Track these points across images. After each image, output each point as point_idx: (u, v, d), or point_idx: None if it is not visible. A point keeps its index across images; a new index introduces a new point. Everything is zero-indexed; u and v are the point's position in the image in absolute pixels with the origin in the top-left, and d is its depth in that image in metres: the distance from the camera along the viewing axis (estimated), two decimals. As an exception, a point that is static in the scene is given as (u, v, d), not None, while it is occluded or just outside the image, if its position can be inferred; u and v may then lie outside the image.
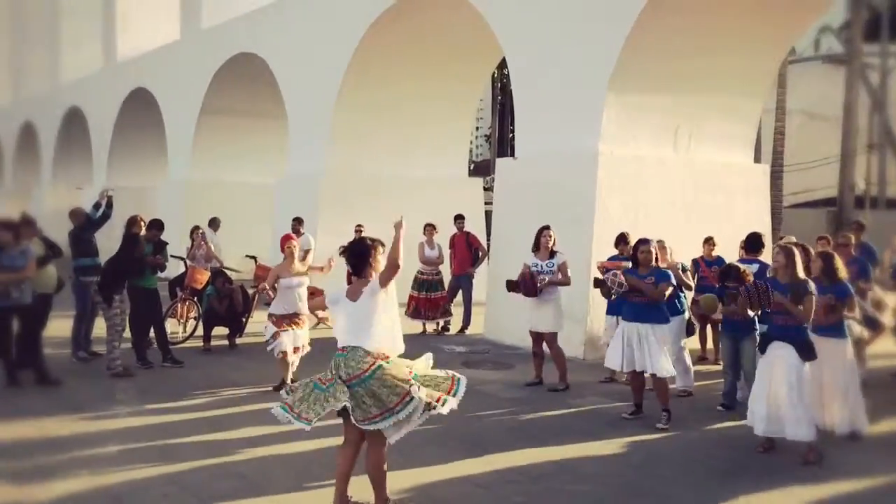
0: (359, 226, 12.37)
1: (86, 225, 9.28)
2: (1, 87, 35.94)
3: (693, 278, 8.48)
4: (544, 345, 8.12)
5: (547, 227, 8.15)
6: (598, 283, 7.50)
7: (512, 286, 8.09)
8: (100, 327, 9.62)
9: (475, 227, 13.40)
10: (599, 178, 9.88)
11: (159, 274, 9.28)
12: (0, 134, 35.45)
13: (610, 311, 8.28)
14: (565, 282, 7.99)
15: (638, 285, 6.67)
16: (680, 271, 7.97)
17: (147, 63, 22.52)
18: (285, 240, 8.20)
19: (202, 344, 10.09)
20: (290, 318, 7.76)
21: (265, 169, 19.21)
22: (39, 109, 30.69)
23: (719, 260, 8.53)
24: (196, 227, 11.82)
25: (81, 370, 8.85)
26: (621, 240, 8.45)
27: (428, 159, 15.65)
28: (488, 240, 12.85)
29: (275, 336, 7.64)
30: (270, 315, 7.85)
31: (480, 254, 12.04)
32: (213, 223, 14.22)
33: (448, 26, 13.71)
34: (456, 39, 14.18)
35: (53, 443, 6.07)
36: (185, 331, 10.70)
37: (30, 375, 7.97)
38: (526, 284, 7.89)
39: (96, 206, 9.35)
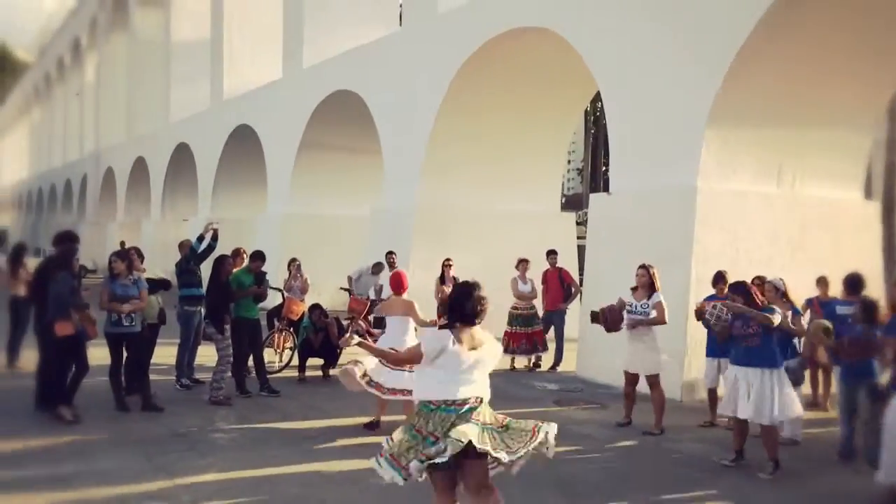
0: (447, 260, 12.46)
1: (190, 256, 9.67)
2: (118, 125, 38.28)
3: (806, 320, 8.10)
4: (644, 386, 7.89)
5: (641, 266, 7.96)
6: (699, 315, 7.30)
7: (595, 318, 7.95)
8: (202, 355, 10.03)
9: (567, 262, 13.26)
10: (698, 215, 9.62)
11: (259, 304, 9.57)
12: (115, 169, 37.69)
13: (710, 354, 8.00)
14: (658, 321, 7.74)
15: (743, 310, 6.40)
16: (790, 315, 7.53)
17: (250, 101, 23.53)
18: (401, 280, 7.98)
19: (297, 374, 10.31)
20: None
21: (360, 202, 19.61)
22: (151, 146, 32.47)
23: (834, 301, 8.10)
24: (293, 260, 12.15)
25: (184, 397, 9.17)
26: (719, 279, 8.17)
27: (520, 193, 15.67)
28: (581, 275, 12.69)
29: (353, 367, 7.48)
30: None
31: (573, 290, 11.89)
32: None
33: (542, 61, 13.76)
34: (549, 74, 14.22)
35: (157, 467, 6.28)
36: (281, 360, 10.97)
37: (137, 401, 8.31)
38: (607, 318, 7.75)
39: (199, 238, 9.74)
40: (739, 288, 6.59)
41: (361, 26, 19.49)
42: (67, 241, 8.35)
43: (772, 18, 9.03)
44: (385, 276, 12.46)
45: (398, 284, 7.90)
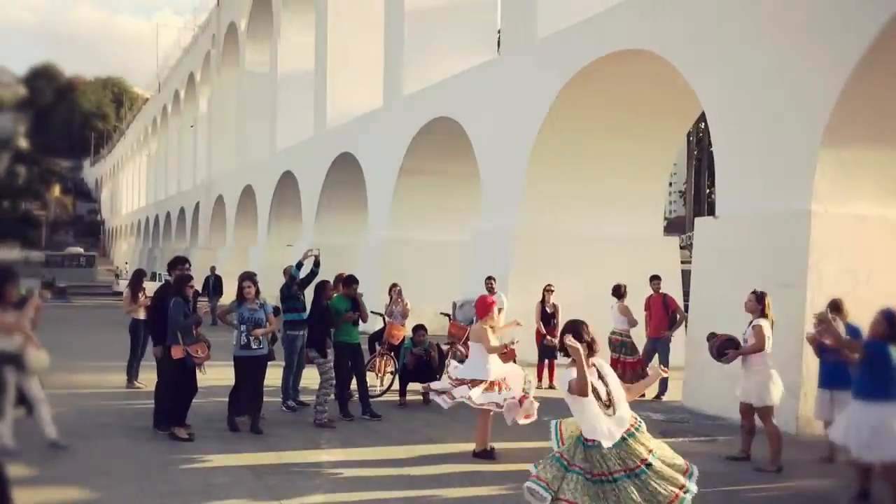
0: (548, 285, 12.35)
1: (290, 282, 9.95)
2: (228, 155, 40.13)
3: None
4: (756, 419, 7.54)
5: (752, 292, 7.65)
6: (815, 345, 6.98)
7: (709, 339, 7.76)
8: (307, 377, 10.27)
9: (671, 287, 12.90)
10: (812, 240, 9.17)
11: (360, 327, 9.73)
12: (225, 196, 39.44)
13: (823, 385, 7.57)
14: (755, 348, 7.37)
15: (840, 343, 6.10)
16: None
17: (352, 129, 24.19)
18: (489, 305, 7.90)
19: (398, 398, 10.40)
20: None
21: (459, 227, 19.75)
22: (258, 174, 33.82)
23: None
24: (394, 285, 12.31)
25: (290, 419, 9.40)
26: (834, 307, 7.73)
27: (622, 217, 15.41)
28: (685, 301, 12.31)
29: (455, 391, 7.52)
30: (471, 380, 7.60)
31: (678, 316, 11.54)
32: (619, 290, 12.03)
33: (643, 84, 13.55)
34: (651, 96, 13.99)
35: (266, 487, 6.44)
36: (382, 384, 11.10)
37: (245, 421, 8.57)
38: (711, 344, 7.53)
39: (298, 265, 10.02)
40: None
41: (460, 54, 19.74)
42: (179, 266, 8.75)
43: (892, 30, 8.57)
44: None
45: (480, 309, 7.88)
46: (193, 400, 8.35)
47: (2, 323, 6.96)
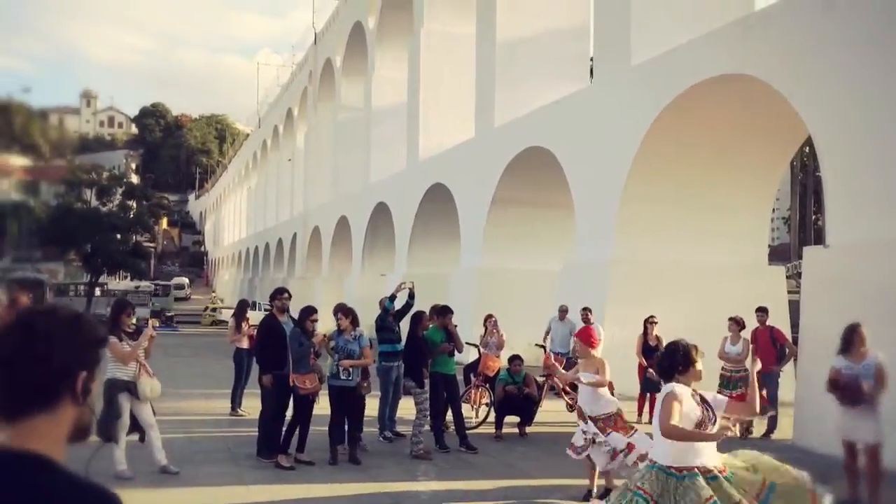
0: (651, 317, 12.03)
1: (383, 314, 10.07)
2: (324, 187, 41.30)
3: None
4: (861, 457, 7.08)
5: (859, 325, 7.22)
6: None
7: (832, 387, 7.25)
8: (403, 408, 10.32)
9: (778, 318, 12.36)
10: (936, 269, 8.62)
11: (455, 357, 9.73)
12: (321, 227, 40.51)
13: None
14: (885, 386, 6.93)
15: None
16: None
17: (444, 160, 24.47)
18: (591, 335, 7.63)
19: (494, 431, 10.31)
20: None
21: (552, 256, 19.58)
22: (352, 205, 34.60)
23: None
24: (489, 316, 12.26)
25: (387, 449, 9.45)
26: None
27: (723, 245, 14.92)
28: (794, 333, 11.75)
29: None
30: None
31: (787, 350, 11.02)
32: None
33: (744, 109, 13.18)
34: (753, 121, 13.58)
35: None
36: (477, 416, 11.03)
37: (345, 452, 8.66)
38: (851, 390, 7.00)
39: (391, 298, 10.13)
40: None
41: (551, 84, 19.74)
42: (279, 297, 8.95)
43: None
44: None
45: (588, 340, 7.63)
46: (301, 428, 8.48)
47: (118, 352, 7.31)
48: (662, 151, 14.28)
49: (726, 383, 10.82)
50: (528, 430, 10.49)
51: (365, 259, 32.37)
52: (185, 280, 50.59)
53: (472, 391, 11.15)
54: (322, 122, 42.94)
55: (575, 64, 21.19)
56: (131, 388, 7.39)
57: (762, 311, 11.13)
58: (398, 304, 10.24)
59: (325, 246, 39.48)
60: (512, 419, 10.50)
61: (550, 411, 11.71)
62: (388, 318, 10.05)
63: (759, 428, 10.86)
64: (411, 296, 10.13)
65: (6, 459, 1.56)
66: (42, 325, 1.62)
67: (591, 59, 19.29)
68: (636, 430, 7.15)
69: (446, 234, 24.83)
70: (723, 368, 10.86)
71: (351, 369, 8.48)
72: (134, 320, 7.90)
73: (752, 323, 11.23)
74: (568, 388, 11.65)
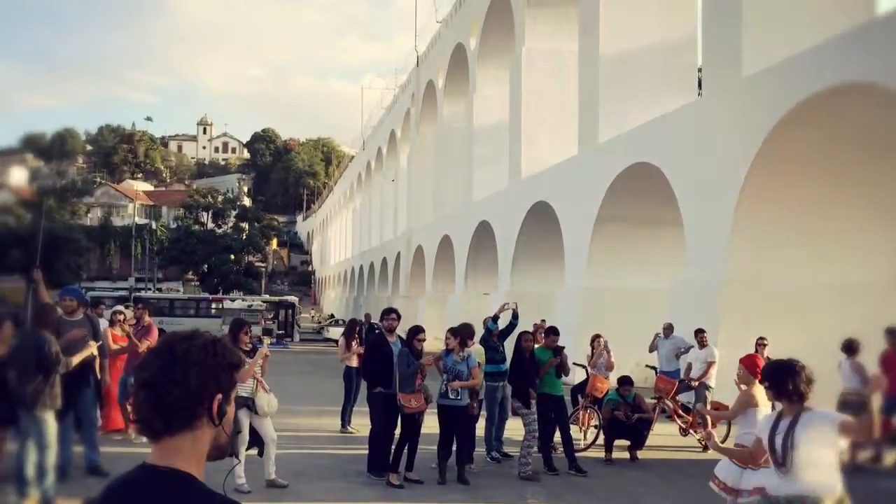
0: (761, 339, 11.51)
1: (486, 335, 10.05)
2: (426, 207, 41.85)
3: None
4: None
5: None
6: None
7: None
8: (510, 429, 10.25)
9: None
10: None
11: (563, 379, 9.59)
12: (424, 246, 41.00)
13: None
14: None
15: None
16: None
17: (547, 178, 24.32)
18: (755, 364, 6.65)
19: (604, 454, 10.07)
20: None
21: (660, 274, 19.05)
22: (455, 224, 34.86)
23: None
24: (597, 336, 12.04)
25: (494, 470, 9.41)
26: None
27: (846, 263, 14.12)
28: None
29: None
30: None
31: (921, 375, 10.26)
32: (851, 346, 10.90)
33: (868, 119, 12.49)
34: (877, 133, 12.84)
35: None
36: (586, 438, 10.82)
37: (453, 471, 8.66)
38: None
39: (494, 318, 10.11)
40: None
41: (657, 98, 19.33)
42: (388, 317, 9.07)
43: None
44: (694, 354, 11.87)
45: (750, 369, 6.93)
46: (410, 447, 8.56)
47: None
48: (778, 166, 13.70)
49: (849, 410, 10.18)
50: (639, 454, 10.20)
51: (468, 278, 32.49)
52: (295, 299, 52.36)
53: (581, 413, 10.95)
54: (424, 143, 43.58)
55: (681, 77, 20.68)
56: (249, 404, 7.67)
57: (893, 333, 10.43)
58: (501, 324, 10.22)
59: (428, 265, 39.90)
60: (622, 442, 10.24)
61: (662, 435, 11.35)
62: (491, 339, 10.04)
63: (891, 457, 10.15)
64: (515, 316, 10.11)
65: (152, 475, 1.67)
66: (180, 351, 1.71)
67: (699, 71, 18.79)
68: None
69: (549, 253, 24.60)
70: (843, 394, 10.23)
71: (459, 389, 8.50)
72: (250, 338, 8.20)
73: (880, 345, 10.55)
74: (680, 412, 11.28)
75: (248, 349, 7.96)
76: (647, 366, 12.99)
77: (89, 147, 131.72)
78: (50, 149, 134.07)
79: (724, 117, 14.95)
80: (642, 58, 20.52)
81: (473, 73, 33.73)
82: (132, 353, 10.19)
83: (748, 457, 4.93)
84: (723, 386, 11.24)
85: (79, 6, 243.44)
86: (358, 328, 12.61)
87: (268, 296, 46.17)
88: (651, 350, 13.06)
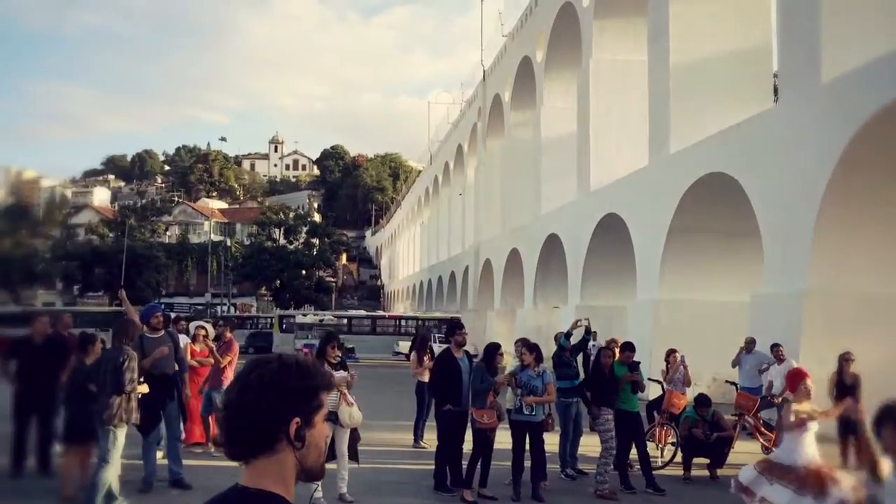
0: (846, 353, 11.03)
1: (559, 352, 9.96)
2: (494, 220, 41.82)
3: None
4: None
5: None
6: None
7: None
8: (584, 445, 10.09)
9: None
10: None
11: (639, 395, 9.41)
12: (492, 260, 40.95)
13: None
14: None
15: None
16: None
17: (617, 190, 24.00)
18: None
19: (682, 472, 9.81)
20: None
21: (737, 287, 18.50)
22: (523, 238, 34.71)
23: None
24: (673, 350, 11.77)
25: (569, 487, 9.27)
26: None
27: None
28: None
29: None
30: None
31: None
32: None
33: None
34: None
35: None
36: (662, 456, 10.57)
37: (528, 488, 8.57)
38: None
39: (567, 335, 9.99)
40: None
41: (730, 107, 18.87)
42: (459, 332, 9.06)
43: None
44: (776, 370, 11.50)
45: (790, 383, 6.92)
46: (483, 463, 8.51)
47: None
48: (861, 174, 13.19)
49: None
50: (719, 472, 9.89)
51: (537, 291, 32.27)
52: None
53: (657, 429, 10.71)
54: (491, 157, 43.62)
55: (755, 84, 20.13)
56: (332, 417, 7.76)
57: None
58: (574, 340, 10.11)
59: (496, 278, 39.81)
60: (701, 460, 9.96)
61: (744, 453, 10.96)
62: (564, 355, 9.95)
63: None
64: (587, 331, 10.01)
65: (243, 497, 1.70)
66: (255, 375, 1.72)
67: (775, 78, 18.29)
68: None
69: (620, 265, 24.20)
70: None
71: (534, 404, 8.43)
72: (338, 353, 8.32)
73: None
74: (763, 429, 10.91)
75: (335, 362, 8.06)
76: (726, 381, 12.60)
77: (167, 167, 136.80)
78: (131, 170, 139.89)
79: (803, 124, 14.49)
80: (714, 66, 20.08)
81: (540, 85, 33.63)
82: (214, 369, 10.47)
83: None
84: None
85: (155, 34, 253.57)
86: (430, 343, 12.64)
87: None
88: (734, 365, 12.68)
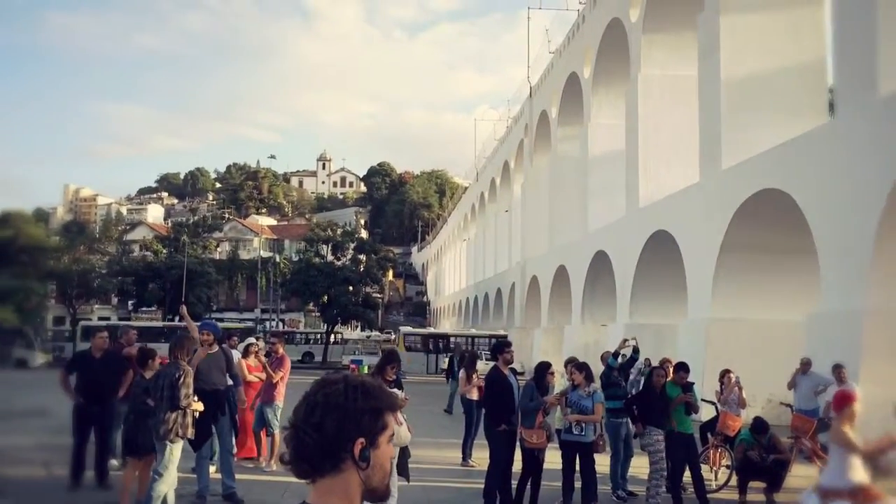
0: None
1: (607, 371, 9.84)
2: (541, 237, 41.64)
3: None
4: None
5: None
6: None
7: None
8: (636, 466, 9.92)
9: None
10: None
11: (693, 417, 9.23)
12: (539, 277, 40.73)
13: None
14: None
15: None
16: None
17: (667, 206, 23.68)
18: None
19: (738, 496, 9.56)
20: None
21: (793, 306, 18.06)
22: (570, 254, 34.47)
23: None
24: (727, 371, 11.51)
25: (621, 509, 9.11)
26: None
27: None
28: None
29: None
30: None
31: None
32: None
33: None
34: None
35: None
36: (717, 479, 10.33)
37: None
38: None
39: (615, 354, 9.87)
40: None
41: (784, 122, 18.53)
42: (506, 350, 8.99)
43: None
44: (833, 391, 11.15)
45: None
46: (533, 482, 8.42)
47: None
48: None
49: None
50: (776, 496, 9.61)
51: (584, 309, 31.95)
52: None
53: (711, 451, 10.47)
54: (538, 173, 43.51)
55: (810, 99, 19.73)
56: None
57: None
58: (621, 358, 10.00)
59: (543, 295, 39.56)
60: (758, 483, 9.69)
61: (801, 476, 10.66)
62: (612, 374, 9.84)
63: None
64: (636, 350, 9.89)
65: None
66: (321, 396, 1.74)
67: (830, 92, 17.90)
68: None
69: (671, 283, 23.84)
70: None
71: (584, 424, 8.34)
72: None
73: None
74: (820, 452, 10.58)
75: (391, 380, 8.08)
76: (781, 403, 12.28)
77: (218, 184, 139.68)
78: (183, 187, 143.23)
79: (860, 139, 14.14)
80: (766, 81, 19.75)
81: (588, 101, 33.48)
82: (267, 384, 10.60)
83: None
84: (865, 426, 10.47)
85: (209, 55, 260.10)
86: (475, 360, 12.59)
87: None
88: (790, 387, 12.33)
